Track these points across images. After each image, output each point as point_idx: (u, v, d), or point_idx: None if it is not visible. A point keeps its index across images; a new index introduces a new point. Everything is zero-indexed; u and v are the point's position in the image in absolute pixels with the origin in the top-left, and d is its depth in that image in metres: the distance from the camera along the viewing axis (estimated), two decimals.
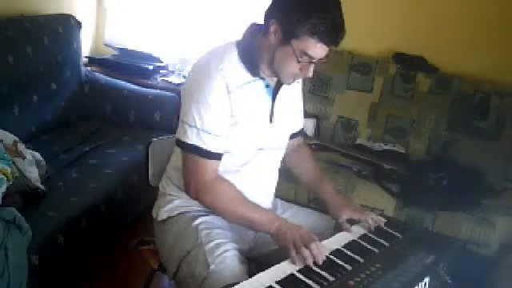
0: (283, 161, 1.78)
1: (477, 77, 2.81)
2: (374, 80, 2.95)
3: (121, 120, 2.95)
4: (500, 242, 2.23)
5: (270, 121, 1.54)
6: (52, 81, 2.68)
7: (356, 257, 1.37)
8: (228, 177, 1.51)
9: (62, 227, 1.88)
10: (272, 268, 1.27)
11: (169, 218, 1.57)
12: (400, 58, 2.95)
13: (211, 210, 1.52)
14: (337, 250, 1.40)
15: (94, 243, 2.11)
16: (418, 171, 2.63)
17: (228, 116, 1.44)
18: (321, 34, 1.35)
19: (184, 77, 3.18)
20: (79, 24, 2.96)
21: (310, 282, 1.22)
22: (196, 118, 1.42)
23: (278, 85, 1.54)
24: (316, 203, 2.23)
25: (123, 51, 3.36)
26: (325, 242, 1.44)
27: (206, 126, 1.42)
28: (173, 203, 1.58)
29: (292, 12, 1.35)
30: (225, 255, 1.40)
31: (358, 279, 1.25)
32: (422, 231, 1.91)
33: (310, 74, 1.44)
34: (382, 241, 1.49)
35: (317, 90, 3.02)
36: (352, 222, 1.58)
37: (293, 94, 1.65)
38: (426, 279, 1.36)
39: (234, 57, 1.46)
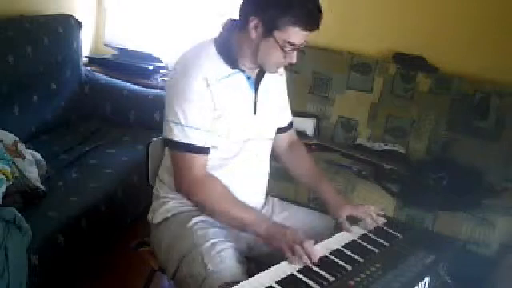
0: (279, 161, 1.78)
1: (477, 77, 2.81)
2: (374, 80, 2.95)
3: (121, 120, 2.95)
4: (500, 242, 2.23)
5: (254, 112, 1.56)
6: (52, 81, 2.68)
7: (356, 257, 1.37)
8: (218, 171, 1.51)
9: (62, 227, 1.88)
10: (272, 268, 1.27)
11: (164, 220, 1.58)
12: (400, 57, 2.95)
13: (201, 208, 1.52)
14: (337, 249, 1.40)
15: (94, 243, 2.11)
16: (418, 171, 2.63)
17: (211, 109, 1.46)
18: (303, 22, 1.40)
19: None
20: (79, 24, 2.96)
21: (309, 282, 1.22)
22: (179, 114, 1.44)
23: (259, 76, 1.56)
24: (316, 203, 2.23)
25: (123, 51, 3.37)
26: (325, 241, 1.44)
27: (189, 121, 1.44)
28: (167, 205, 1.59)
29: (272, 6, 1.39)
30: (222, 254, 1.40)
31: (358, 279, 1.25)
32: (422, 231, 1.91)
33: (294, 60, 1.48)
34: (381, 241, 1.49)
35: (317, 89, 3.02)
36: (352, 221, 1.58)
37: (276, 85, 1.66)
38: (426, 279, 1.36)
39: (211, 52, 1.49)
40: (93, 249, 2.11)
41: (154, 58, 3.32)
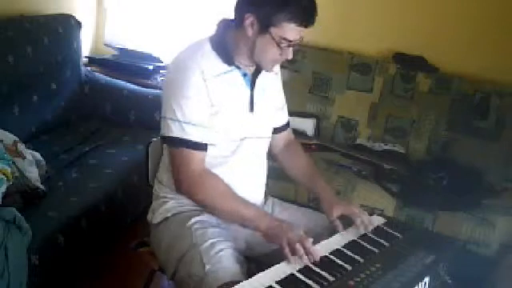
0: (276, 160, 1.78)
1: (477, 77, 2.81)
2: (374, 80, 2.95)
3: (121, 120, 2.95)
4: (500, 242, 2.23)
5: (251, 110, 1.56)
6: (52, 81, 2.68)
7: (356, 257, 1.37)
8: (215, 169, 1.52)
9: (62, 227, 1.88)
10: (272, 268, 1.27)
11: (163, 220, 1.58)
12: (400, 57, 2.95)
13: (201, 206, 1.52)
14: (337, 249, 1.40)
15: (94, 243, 2.11)
16: (418, 171, 2.63)
17: (208, 105, 1.47)
18: (298, 18, 1.40)
19: None
20: (79, 24, 2.96)
21: (309, 282, 1.22)
22: (176, 111, 1.44)
23: (256, 73, 1.57)
24: (316, 203, 2.23)
25: (123, 51, 3.37)
26: (325, 241, 1.44)
27: (187, 117, 1.44)
28: (166, 205, 1.59)
29: (267, 2, 1.40)
30: (220, 254, 1.40)
31: (358, 279, 1.25)
32: (422, 231, 1.91)
33: (290, 56, 1.48)
34: (381, 241, 1.49)
35: (317, 89, 3.02)
36: (347, 223, 1.57)
37: (272, 84, 1.67)
38: (426, 279, 1.36)
39: (207, 49, 1.50)
40: (93, 249, 2.11)
41: (154, 58, 3.32)
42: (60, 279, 1.90)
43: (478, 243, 2.24)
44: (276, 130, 1.72)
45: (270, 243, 1.44)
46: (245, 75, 1.55)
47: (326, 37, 2.94)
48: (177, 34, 3.34)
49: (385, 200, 2.39)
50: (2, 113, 2.32)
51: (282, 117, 1.76)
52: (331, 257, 1.35)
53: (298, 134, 2.42)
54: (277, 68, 1.67)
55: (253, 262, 1.55)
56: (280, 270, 1.26)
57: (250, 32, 1.44)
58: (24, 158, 2.00)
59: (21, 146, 2.04)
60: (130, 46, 3.37)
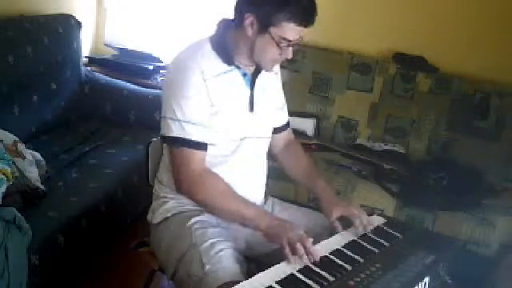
0: (276, 160, 1.78)
1: (477, 77, 2.81)
2: (374, 80, 2.95)
3: (121, 120, 2.95)
4: (500, 242, 2.23)
5: (251, 109, 1.56)
6: (52, 81, 2.68)
7: (356, 257, 1.37)
8: (215, 169, 1.51)
9: (62, 227, 1.88)
10: (272, 268, 1.27)
11: (163, 220, 1.58)
12: (400, 57, 2.95)
13: (201, 205, 1.52)
14: (337, 249, 1.40)
15: (94, 243, 2.11)
16: (418, 171, 2.63)
17: (208, 105, 1.47)
18: (298, 18, 1.41)
19: None
20: (79, 24, 2.96)
21: (309, 282, 1.22)
22: (176, 110, 1.45)
23: (256, 73, 1.57)
24: (316, 203, 2.22)
25: (123, 51, 3.37)
26: (325, 241, 1.44)
27: (187, 116, 1.44)
28: (166, 205, 1.59)
29: (267, 2, 1.40)
30: (220, 254, 1.40)
31: (358, 279, 1.25)
32: (422, 231, 1.91)
33: (290, 56, 1.49)
34: (381, 241, 1.49)
35: (317, 89, 3.02)
36: (347, 223, 1.57)
37: (272, 84, 1.67)
38: (426, 279, 1.36)
39: (207, 49, 1.50)
40: (93, 249, 2.11)
41: (154, 58, 3.32)
42: (60, 279, 1.90)
43: (478, 243, 2.24)
44: (276, 130, 1.72)
45: (271, 243, 1.44)
46: (245, 75, 1.55)
47: (325, 37, 2.94)
48: (177, 34, 3.34)
49: (385, 200, 2.39)
50: (2, 113, 2.32)
51: (281, 117, 1.76)
52: (331, 257, 1.35)
53: (298, 134, 2.42)
54: (276, 68, 1.67)
55: (253, 262, 1.55)
56: (280, 270, 1.26)
57: (249, 32, 1.44)
58: (24, 158, 2.00)
59: (21, 146, 2.04)
60: (130, 46, 3.37)
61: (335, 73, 2.99)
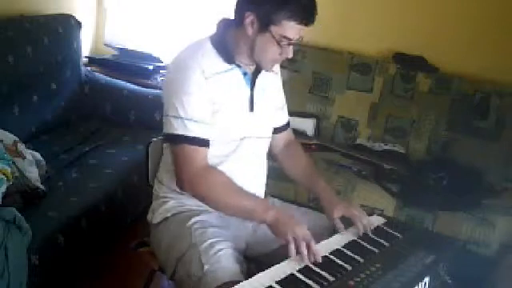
0: (276, 160, 1.78)
1: (477, 77, 2.81)
2: (374, 80, 2.95)
3: (121, 120, 2.95)
4: (500, 241, 2.23)
5: (251, 109, 1.56)
6: (52, 81, 2.68)
7: (356, 257, 1.37)
8: None
9: (62, 227, 1.88)
10: (272, 268, 1.27)
11: (163, 220, 1.58)
12: (400, 57, 2.95)
13: (205, 201, 1.51)
14: (337, 249, 1.40)
15: (94, 243, 2.11)
16: (418, 171, 2.63)
17: (209, 102, 1.47)
18: (298, 16, 1.41)
19: None
20: (79, 24, 2.96)
21: (309, 282, 1.22)
22: (179, 108, 1.44)
23: (256, 73, 1.57)
24: (316, 203, 2.23)
25: (123, 51, 3.37)
26: (324, 241, 1.44)
27: (189, 114, 1.44)
28: (166, 205, 1.59)
29: (267, 1, 1.40)
30: (219, 254, 1.40)
31: (358, 279, 1.25)
32: (422, 231, 1.91)
33: (291, 55, 1.49)
34: (381, 241, 1.49)
35: (317, 89, 3.02)
36: (348, 222, 1.58)
37: (272, 83, 1.67)
38: (426, 279, 1.36)
39: (208, 48, 1.50)
40: (93, 249, 2.11)
41: (154, 58, 3.32)
42: (60, 279, 1.90)
43: (478, 243, 2.24)
44: (276, 130, 1.72)
45: (273, 233, 1.43)
46: (245, 74, 1.55)
47: (325, 37, 2.94)
48: (177, 34, 3.34)
49: (385, 200, 2.39)
50: (2, 113, 2.32)
51: (282, 117, 1.76)
52: (331, 257, 1.35)
53: (298, 134, 2.42)
54: (277, 68, 1.67)
55: (253, 262, 1.55)
56: (280, 270, 1.26)
57: (250, 31, 1.44)
58: (24, 158, 2.00)
59: (21, 146, 2.04)
60: (130, 46, 3.37)
61: (335, 73, 2.99)
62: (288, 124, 1.79)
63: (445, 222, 2.28)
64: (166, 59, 3.32)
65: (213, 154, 1.51)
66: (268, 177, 1.72)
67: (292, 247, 1.33)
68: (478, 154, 2.69)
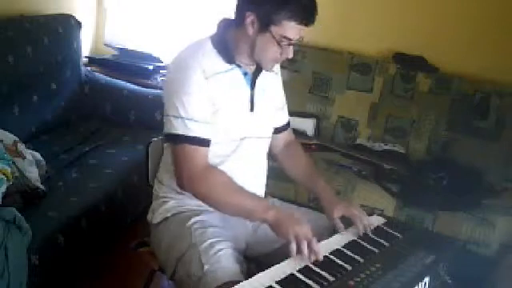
0: (276, 160, 1.78)
1: (477, 77, 2.81)
2: (374, 80, 2.95)
3: (121, 120, 2.95)
4: (500, 242, 2.23)
5: (251, 109, 1.56)
6: (52, 81, 2.68)
7: (356, 257, 1.37)
8: None
9: (62, 227, 1.88)
10: (272, 268, 1.27)
11: (163, 220, 1.58)
12: (400, 57, 2.96)
13: (205, 201, 1.51)
14: (337, 249, 1.40)
15: (94, 243, 2.11)
16: (418, 171, 2.63)
17: (210, 102, 1.47)
18: (298, 16, 1.41)
19: None
20: (79, 24, 2.96)
21: (309, 282, 1.22)
22: (179, 108, 1.44)
23: (256, 73, 1.57)
24: (316, 203, 2.23)
25: (123, 51, 3.37)
26: (325, 241, 1.44)
27: (190, 113, 1.44)
28: (166, 205, 1.58)
29: (267, 1, 1.41)
30: (219, 254, 1.39)
31: (358, 279, 1.25)
32: (422, 231, 1.91)
33: (291, 55, 1.49)
34: (381, 241, 1.49)
35: (317, 89, 3.02)
36: (348, 222, 1.58)
37: (272, 83, 1.67)
38: (426, 279, 1.36)
39: (208, 48, 1.50)
40: (93, 249, 2.11)
41: (154, 58, 3.32)
42: (60, 279, 1.90)
43: (478, 243, 2.24)
44: (276, 130, 1.72)
45: (274, 232, 1.43)
46: (245, 74, 1.55)
47: (325, 37, 2.94)
48: (177, 34, 3.34)
49: (385, 200, 2.39)
50: (2, 113, 2.32)
51: (282, 117, 1.76)
52: (331, 257, 1.35)
53: (298, 134, 2.42)
54: (277, 68, 1.67)
55: (253, 262, 1.55)
56: (280, 270, 1.26)
57: (250, 30, 1.44)
58: (24, 158, 2.00)
59: (21, 146, 2.04)
60: (130, 46, 3.37)
61: (335, 73, 2.99)
62: (288, 124, 1.79)
63: (445, 222, 2.28)
64: (166, 59, 3.32)
65: (213, 154, 1.51)
66: (268, 177, 1.72)
67: (293, 246, 1.33)
68: (478, 154, 2.69)
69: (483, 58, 2.81)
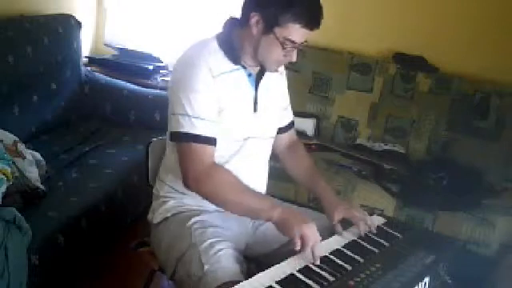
0: (278, 160, 1.78)
1: (477, 77, 2.81)
2: (374, 80, 2.95)
3: (121, 120, 2.95)
4: (500, 242, 2.23)
5: (255, 110, 1.56)
6: (52, 81, 2.68)
7: (356, 257, 1.37)
8: None
9: (62, 227, 1.88)
10: (272, 268, 1.27)
11: (163, 220, 1.58)
12: (400, 57, 2.96)
13: (211, 200, 1.50)
14: (337, 249, 1.40)
15: (94, 243, 2.11)
16: (418, 171, 2.63)
17: (216, 101, 1.46)
18: (303, 19, 1.40)
19: None
20: (79, 24, 2.96)
21: (309, 282, 1.22)
22: (186, 105, 1.44)
23: (260, 74, 1.57)
24: (316, 203, 2.23)
25: (123, 51, 3.37)
26: (325, 241, 1.44)
27: (196, 111, 1.44)
28: (167, 205, 1.58)
29: (273, 2, 1.40)
30: (219, 254, 1.39)
31: (358, 279, 1.25)
32: (422, 231, 1.91)
33: (294, 59, 1.49)
34: (382, 241, 1.49)
35: (317, 89, 3.02)
36: (347, 223, 1.57)
37: (277, 84, 1.67)
38: (426, 279, 1.36)
39: (214, 47, 1.50)
40: (93, 249, 2.11)
41: (154, 58, 3.32)
42: (60, 279, 1.90)
43: (478, 243, 2.24)
44: (280, 130, 1.72)
45: (280, 231, 1.43)
46: (249, 75, 1.55)
47: (326, 37, 2.93)
48: (177, 34, 3.34)
49: (385, 200, 2.39)
50: (2, 113, 2.32)
51: (286, 116, 1.75)
52: (331, 257, 1.36)
53: (297, 134, 2.40)
54: (281, 68, 1.67)
55: (253, 262, 1.55)
56: (280, 270, 1.26)
57: (254, 31, 1.44)
58: (24, 158, 2.00)
59: (21, 146, 2.04)
60: (130, 46, 3.37)
61: (335, 73, 2.99)
62: (292, 124, 1.79)
63: (445, 222, 2.28)
64: (166, 59, 3.33)
65: (217, 154, 1.50)
66: (268, 177, 1.71)
67: (299, 242, 1.33)
68: (478, 154, 2.69)
69: (483, 58, 2.81)
